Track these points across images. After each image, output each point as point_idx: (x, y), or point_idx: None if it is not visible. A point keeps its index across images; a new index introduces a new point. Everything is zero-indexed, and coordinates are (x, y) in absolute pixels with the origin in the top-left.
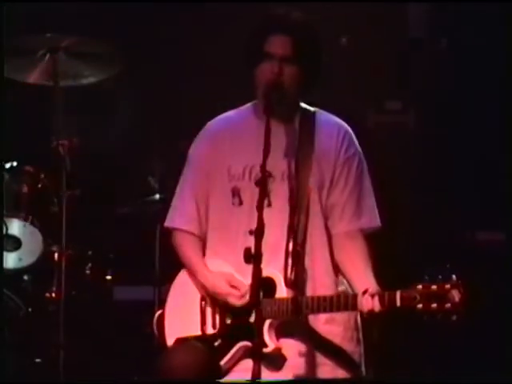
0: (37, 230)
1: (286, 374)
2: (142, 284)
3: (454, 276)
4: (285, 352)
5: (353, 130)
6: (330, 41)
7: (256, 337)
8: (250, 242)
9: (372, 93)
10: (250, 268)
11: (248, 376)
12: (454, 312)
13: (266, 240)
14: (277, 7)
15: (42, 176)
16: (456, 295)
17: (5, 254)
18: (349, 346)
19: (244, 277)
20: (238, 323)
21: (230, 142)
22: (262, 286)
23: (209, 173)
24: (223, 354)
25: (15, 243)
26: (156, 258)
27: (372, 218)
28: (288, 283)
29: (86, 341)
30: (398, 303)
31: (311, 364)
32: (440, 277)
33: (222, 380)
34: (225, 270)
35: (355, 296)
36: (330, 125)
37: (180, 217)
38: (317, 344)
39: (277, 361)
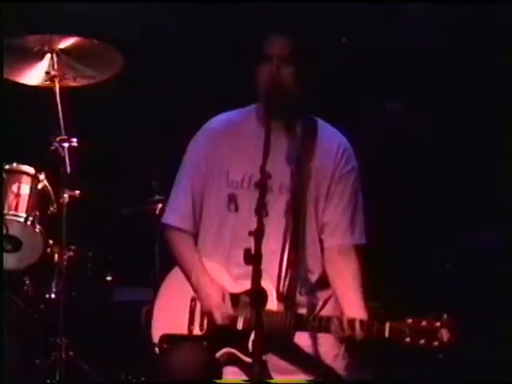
0: (37, 230)
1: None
2: (142, 286)
3: (445, 315)
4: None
5: (352, 129)
6: (330, 41)
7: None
8: (241, 248)
9: (372, 92)
10: (241, 271)
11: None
12: (440, 350)
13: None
14: (275, 8)
15: (42, 177)
16: (445, 334)
17: (5, 254)
18: (334, 359)
19: (235, 280)
20: (224, 328)
21: (230, 145)
22: (255, 297)
23: (206, 174)
24: (207, 354)
25: (15, 244)
26: (156, 259)
27: (362, 235)
28: (279, 296)
29: (85, 342)
30: (387, 334)
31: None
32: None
33: None
34: (218, 273)
35: (341, 321)
36: (331, 139)
37: (175, 215)
38: (300, 352)
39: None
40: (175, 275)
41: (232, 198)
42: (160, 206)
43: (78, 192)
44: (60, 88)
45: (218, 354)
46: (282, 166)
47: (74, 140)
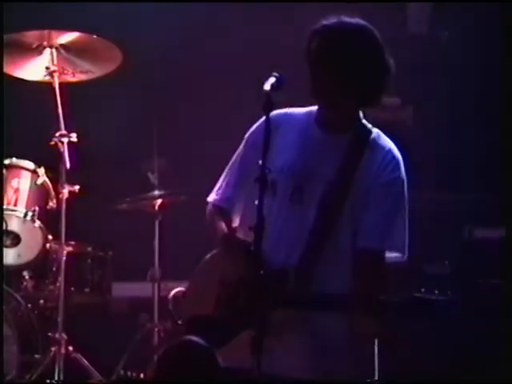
0: (36, 226)
1: (287, 365)
2: (141, 281)
3: None
4: (286, 345)
5: None
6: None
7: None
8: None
9: None
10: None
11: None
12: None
13: (286, 234)
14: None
15: (42, 172)
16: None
17: (4, 249)
18: (351, 345)
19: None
20: (246, 310)
21: (280, 136)
22: (276, 276)
23: (254, 154)
24: (227, 338)
25: (14, 239)
26: (155, 254)
27: (399, 246)
28: (300, 277)
29: (84, 337)
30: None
31: (312, 359)
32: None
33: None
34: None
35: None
36: (380, 147)
37: (217, 194)
38: (319, 339)
39: (278, 351)
40: (208, 260)
41: (272, 183)
42: (159, 201)
43: (77, 187)
44: (59, 83)
45: (237, 336)
46: (326, 163)
47: (74, 135)
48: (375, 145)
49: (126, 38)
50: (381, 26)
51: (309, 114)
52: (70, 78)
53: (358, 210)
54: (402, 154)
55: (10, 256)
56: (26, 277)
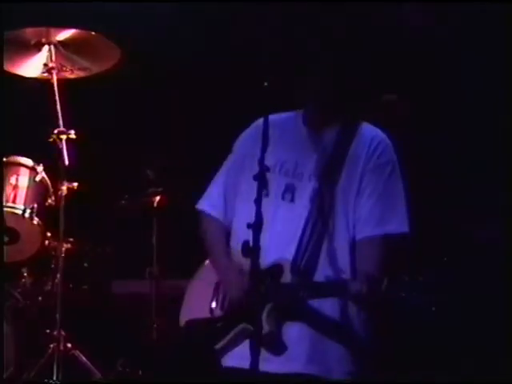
0: (35, 223)
1: (286, 359)
2: (141, 278)
3: None
4: (286, 337)
5: None
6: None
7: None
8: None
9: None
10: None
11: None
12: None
13: (280, 233)
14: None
15: (41, 169)
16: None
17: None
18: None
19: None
20: (242, 307)
21: (270, 138)
22: (271, 272)
23: (243, 160)
24: (224, 334)
25: (13, 236)
26: (154, 251)
27: (399, 223)
28: (295, 270)
29: (83, 334)
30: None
31: (313, 351)
32: None
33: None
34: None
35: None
36: (367, 133)
37: (206, 200)
38: (319, 330)
39: (276, 346)
40: (207, 263)
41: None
42: (158, 198)
43: (76, 184)
44: (58, 80)
45: (233, 331)
46: (315, 158)
47: (72, 132)
48: (361, 133)
49: (125, 34)
50: (378, 21)
51: (296, 115)
52: (68, 75)
53: (352, 200)
54: (397, 151)
55: (9, 253)
56: (25, 274)
